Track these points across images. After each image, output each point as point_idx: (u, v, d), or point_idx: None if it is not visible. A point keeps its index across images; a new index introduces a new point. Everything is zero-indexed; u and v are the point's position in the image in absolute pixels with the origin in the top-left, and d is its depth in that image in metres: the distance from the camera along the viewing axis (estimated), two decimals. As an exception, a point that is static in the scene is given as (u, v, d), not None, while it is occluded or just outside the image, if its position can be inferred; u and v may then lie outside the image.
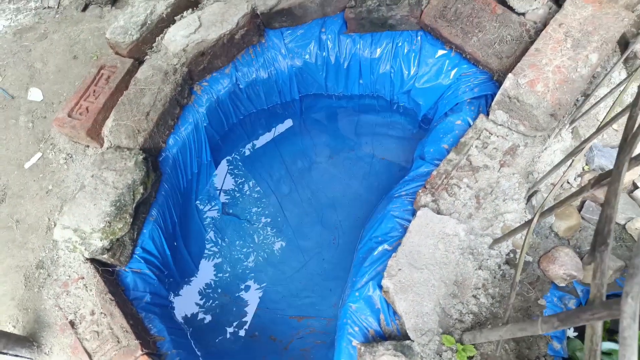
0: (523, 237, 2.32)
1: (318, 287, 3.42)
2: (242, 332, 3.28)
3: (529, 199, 2.42)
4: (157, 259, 2.95)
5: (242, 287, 3.44)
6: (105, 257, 2.67)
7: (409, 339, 2.27)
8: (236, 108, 3.59)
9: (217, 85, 3.29)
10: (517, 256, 2.31)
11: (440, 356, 2.18)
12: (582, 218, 2.44)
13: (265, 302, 3.42)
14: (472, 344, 2.16)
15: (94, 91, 3.10)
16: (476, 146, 2.60)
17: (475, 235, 2.38)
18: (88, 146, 3.16)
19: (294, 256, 3.55)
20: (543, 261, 2.35)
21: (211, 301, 3.35)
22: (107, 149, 2.94)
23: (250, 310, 3.38)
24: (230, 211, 3.69)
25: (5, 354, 2.36)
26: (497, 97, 2.52)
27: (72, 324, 2.56)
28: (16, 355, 2.44)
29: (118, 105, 3.04)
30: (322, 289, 3.42)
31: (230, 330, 3.27)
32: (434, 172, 2.60)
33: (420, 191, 2.58)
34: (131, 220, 2.68)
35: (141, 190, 2.73)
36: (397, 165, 3.58)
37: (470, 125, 2.76)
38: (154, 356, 2.51)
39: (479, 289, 2.27)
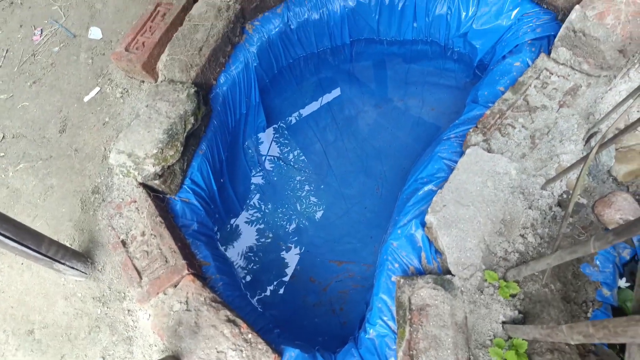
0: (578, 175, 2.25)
1: (359, 234, 3.48)
2: (282, 271, 3.40)
3: (588, 140, 2.32)
4: (204, 192, 3.09)
5: (284, 229, 3.55)
6: (156, 184, 2.83)
7: (450, 274, 2.28)
8: (286, 50, 3.63)
9: (268, 25, 3.34)
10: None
11: (482, 292, 2.18)
12: (647, 163, 2.32)
13: (306, 246, 3.51)
14: (516, 281, 2.15)
15: (150, 27, 3.23)
16: (535, 86, 2.51)
17: (528, 175, 2.32)
18: (143, 81, 3.31)
19: (337, 203, 3.61)
20: (598, 205, 2.27)
21: (254, 239, 3.48)
22: (161, 81, 3.07)
23: (292, 252, 3.49)
24: (276, 155, 3.78)
25: (63, 263, 2.57)
26: (561, 31, 2.41)
27: (123, 243, 2.74)
28: (72, 267, 2.65)
29: (172, 40, 3.15)
30: (363, 236, 3.46)
31: (271, 268, 3.40)
32: (487, 112, 2.54)
33: (470, 130, 2.54)
34: (182, 148, 2.81)
35: (192, 121, 2.85)
36: (448, 116, 3.52)
37: (529, 66, 2.66)
38: (199, 278, 2.65)
39: (527, 228, 2.24)
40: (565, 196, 2.28)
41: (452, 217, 2.30)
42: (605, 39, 2.26)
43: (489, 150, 2.43)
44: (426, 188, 2.61)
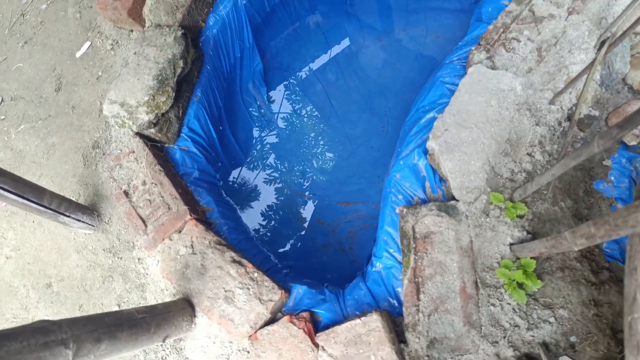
0: (586, 79, 2.07)
1: (366, 174, 3.37)
2: (289, 215, 3.36)
3: (600, 46, 2.11)
4: (203, 140, 3.01)
5: (289, 174, 3.47)
6: (152, 132, 2.76)
7: (454, 200, 2.17)
8: (277, -16, 3.42)
9: (255, -42, 3.12)
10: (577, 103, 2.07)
11: (487, 215, 2.07)
12: (666, 67, 2.11)
13: (312, 189, 3.44)
14: (523, 202, 2.03)
15: (132, -29, 3.05)
16: (541, -7, 2.29)
17: (534, 90, 2.15)
18: (132, 30, 3.17)
19: (342, 144, 3.49)
20: (612, 117, 2.09)
21: (258, 186, 3.42)
22: (148, 27, 2.93)
23: (298, 196, 3.42)
24: (276, 100, 3.65)
25: (68, 216, 2.56)
26: None
27: (126, 193, 2.71)
28: (78, 220, 2.65)
29: (156, -17, 2.98)
30: (370, 175, 3.36)
31: (278, 212, 3.35)
32: (490, 27, 2.34)
33: (473, 49, 2.36)
34: (174, 94, 2.71)
35: (181, 65, 2.73)
36: (453, 43, 3.27)
37: (535, -27, 2.41)
38: (202, 222, 2.62)
39: (535, 146, 2.09)
40: (574, 109, 2.11)
41: (454, 141, 2.17)
42: None
43: (493, 68, 2.26)
44: (428, 116, 2.46)
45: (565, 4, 2.24)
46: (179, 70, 2.71)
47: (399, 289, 2.26)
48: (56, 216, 2.52)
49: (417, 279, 2.08)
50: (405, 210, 2.22)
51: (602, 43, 2.13)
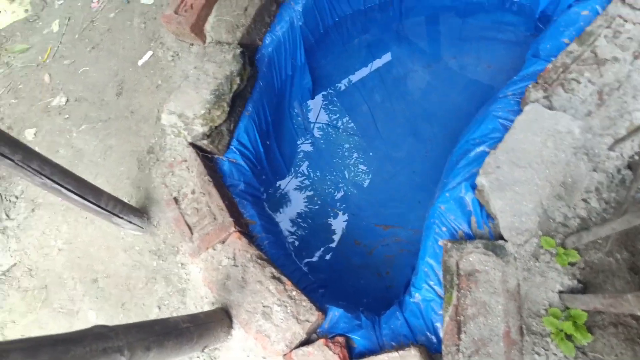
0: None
1: (406, 198, 3.30)
2: (327, 233, 3.32)
3: (669, 95, 1.99)
4: (251, 153, 3.02)
5: (330, 192, 3.44)
6: (205, 144, 2.79)
7: (502, 240, 2.09)
8: (332, 8, 3.42)
9: (314, -19, 3.13)
10: (645, 159, 1.95)
11: (537, 259, 1.98)
12: None
13: (352, 209, 3.39)
14: (576, 249, 1.92)
15: (198, -12, 3.11)
16: (605, 36, 2.18)
17: (593, 135, 2.04)
18: (192, 44, 3.23)
19: (384, 166, 3.44)
20: (678, 168, 1.96)
21: (300, 201, 3.41)
22: (209, 43, 2.98)
23: (337, 215, 3.39)
24: (323, 120, 3.63)
25: (121, 217, 2.61)
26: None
27: (175, 200, 2.75)
28: (130, 222, 2.70)
29: (219, 1, 3.03)
30: (410, 200, 3.29)
31: (316, 229, 3.33)
32: (549, 66, 2.25)
33: (530, 86, 2.26)
34: (228, 109, 2.74)
35: (237, 81, 2.75)
36: (505, 74, 3.18)
37: (599, 14, 2.30)
38: (245, 236, 2.62)
39: (591, 192, 1.98)
40: (636, 157, 1.99)
41: (506, 180, 2.08)
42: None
43: (550, 108, 2.16)
44: (478, 149, 2.38)
45: (631, 47, 2.13)
46: (235, 87, 2.74)
47: (437, 324, 2.18)
48: (110, 217, 2.58)
49: (458, 317, 2.00)
50: (449, 244, 2.15)
51: (671, 91, 2.00)
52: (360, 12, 3.61)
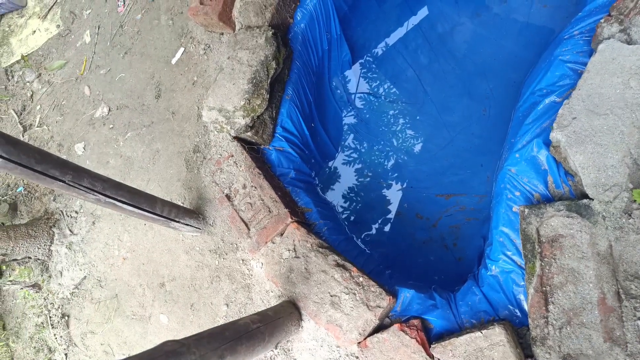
0: None
1: (467, 164, 3.17)
2: (386, 211, 3.26)
3: None
4: (297, 138, 2.99)
5: (384, 167, 3.36)
6: (249, 135, 2.79)
7: (586, 199, 1.93)
8: (363, -31, 3.27)
9: (340, -56, 2.99)
10: None
11: (630, 215, 1.81)
12: None
13: (409, 182, 3.30)
14: (678, 200, 1.74)
15: (220, -27, 3.07)
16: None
17: (687, 65, 1.82)
18: (222, 33, 3.22)
19: (438, 133, 3.31)
20: None
21: (354, 180, 3.36)
22: (239, 30, 2.95)
23: (394, 189, 3.31)
24: (367, 89, 3.53)
25: (178, 221, 2.69)
26: None
27: (228, 197, 2.79)
28: (186, 224, 2.77)
29: (243, -17, 2.98)
30: (471, 165, 3.15)
31: (374, 207, 3.27)
32: (624, -11, 2.01)
33: (602, 21, 2.05)
34: (268, 96, 2.70)
35: (274, 66, 2.71)
36: (565, 12, 2.92)
37: None
38: (303, 225, 2.61)
39: (691, 132, 1.77)
40: None
41: (585, 131, 1.91)
42: None
43: (630, 42, 1.94)
44: (547, 100, 2.20)
45: None
46: (272, 72, 2.69)
47: (520, 297, 2.08)
48: (168, 222, 2.66)
49: (544, 288, 1.89)
50: (526, 210, 2.02)
51: None
52: (394, -32, 3.43)
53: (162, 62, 3.52)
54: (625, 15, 1.99)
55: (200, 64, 3.31)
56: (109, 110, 3.69)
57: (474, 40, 3.23)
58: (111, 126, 3.63)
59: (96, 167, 3.50)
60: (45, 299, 3.82)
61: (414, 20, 3.47)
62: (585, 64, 2.08)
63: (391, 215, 3.25)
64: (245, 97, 2.63)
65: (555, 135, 1.98)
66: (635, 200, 1.81)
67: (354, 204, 3.34)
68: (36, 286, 3.88)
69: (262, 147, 2.91)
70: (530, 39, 2.99)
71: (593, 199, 1.88)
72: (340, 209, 3.32)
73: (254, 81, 2.65)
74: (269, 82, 2.69)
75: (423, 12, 3.45)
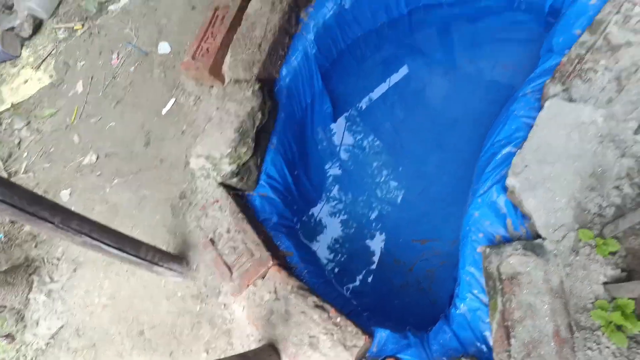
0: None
1: (440, 211, 3.47)
2: (365, 255, 3.51)
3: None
4: (280, 185, 3.29)
5: (364, 213, 3.65)
6: (234, 182, 3.08)
7: (540, 239, 2.23)
8: (343, 32, 3.71)
9: (322, 9, 3.44)
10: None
11: (577, 253, 2.11)
12: None
13: (387, 228, 3.58)
14: (615, 238, 2.05)
15: (212, 32, 3.48)
16: (616, 22, 2.35)
17: (617, 121, 2.19)
18: (212, 86, 3.59)
19: (414, 181, 3.63)
20: None
21: (334, 226, 3.63)
22: (228, 83, 3.31)
23: (373, 235, 3.58)
24: (347, 141, 3.88)
25: (161, 266, 2.89)
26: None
27: (212, 241, 3.02)
28: (169, 269, 2.98)
29: (233, 42, 3.38)
30: (444, 212, 3.45)
31: (353, 252, 3.52)
32: (564, 59, 2.43)
33: (547, 81, 2.44)
34: (253, 144, 3.03)
35: (260, 116, 3.05)
36: (523, 73, 3.35)
37: (607, 1, 2.48)
38: (284, 268, 2.85)
39: (622, 178, 2.11)
40: (666, 139, 2.12)
41: (536, 178, 2.25)
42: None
43: (571, 100, 2.33)
44: (504, 151, 2.55)
45: (644, 30, 2.29)
46: (257, 122, 3.03)
47: (486, 333, 2.31)
48: (151, 266, 2.86)
49: (506, 323, 2.13)
50: (488, 250, 2.30)
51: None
52: (371, 32, 3.90)
53: (152, 113, 3.86)
54: (567, 77, 2.40)
55: (190, 114, 3.65)
56: (97, 157, 3.96)
57: (444, 97, 3.65)
58: (99, 173, 3.89)
59: (81, 213, 3.71)
60: (17, 351, 3.87)
61: (390, 78, 3.89)
62: (535, 118, 2.46)
63: (373, 266, 3.50)
64: (232, 145, 2.95)
65: (510, 182, 2.31)
66: (581, 239, 2.11)
67: (339, 255, 3.58)
68: (9, 337, 3.94)
69: (246, 192, 3.19)
70: (494, 96, 3.40)
71: (545, 239, 2.18)
72: (325, 261, 3.56)
73: (241, 130, 2.98)
74: (254, 131, 3.02)
75: (399, 70, 3.88)
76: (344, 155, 3.86)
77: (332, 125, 3.92)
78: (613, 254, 2.05)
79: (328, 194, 3.71)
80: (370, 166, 3.78)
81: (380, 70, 3.96)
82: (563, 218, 2.15)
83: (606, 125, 2.19)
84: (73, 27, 5.04)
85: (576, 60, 2.39)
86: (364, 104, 3.95)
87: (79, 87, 4.51)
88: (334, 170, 3.79)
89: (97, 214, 3.64)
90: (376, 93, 3.92)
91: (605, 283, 2.01)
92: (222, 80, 3.44)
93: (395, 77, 3.87)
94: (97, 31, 4.79)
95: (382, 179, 3.70)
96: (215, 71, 3.39)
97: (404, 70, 3.87)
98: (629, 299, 1.87)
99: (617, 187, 2.11)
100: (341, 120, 3.98)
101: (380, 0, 3.58)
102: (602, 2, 2.51)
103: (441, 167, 3.51)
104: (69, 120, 4.35)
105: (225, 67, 3.37)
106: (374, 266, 3.46)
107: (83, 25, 4.97)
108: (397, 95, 3.83)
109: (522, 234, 2.35)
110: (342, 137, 3.91)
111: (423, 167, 3.61)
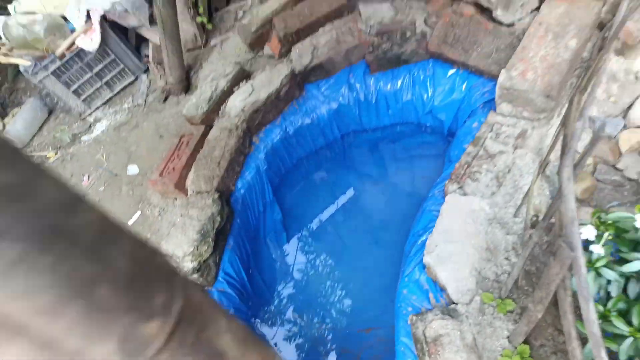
0: (541, 202, 2.67)
1: (381, 300, 3.79)
2: (317, 347, 3.68)
3: (543, 170, 2.78)
4: (236, 282, 3.54)
5: (312, 308, 3.89)
6: (195, 277, 3.31)
7: (454, 304, 2.60)
8: (289, 153, 4.32)
9: (271, 135, 4.07)
10: (540, 218, 2.64)
11: (484, 313, 2.49)
12: (597, 180, 2.74)
13: (335, 320, 3.82)
14: (510, 298, 2.46)
15: (178, 154, 3.97)
16: (490, 137, 3.05)
17: (499, 208, 2.75)
18: (176, 198, 3.97)
19: (356, 276, 3.99)
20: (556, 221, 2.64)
21: (286, 322, 3.82)
22: (190, 195, 3.72)
23: (323, 328, 3.79)
24: (294, 245, 4.26)
25: None
26: (497, 92, 3.01)
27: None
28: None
29: (196, 161, 3.87)
30: (384, 301, 3.77)
31: (306, 345, 3.68)
32: (457, 165, 3.06)
33: (447, 182, 3.03)
34: (213, 244, 3.35)
35: (219, 220, 3.42)
36: (435, 179, 4.03)
37: (483, 123, 3.23)
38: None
39: (510, 251, 2.60)
40: (535, 218, 2.68)
41: (444, 254, 2.69)
42: (532, 90, 2.84)
43: (465, 194, 2.90)
44: (422, 238, 3.02)
45: (510, 142, 2.99)
46: (217, 224, 3.39)
47: (421, 394, 2.53)
48: None
49: (433, 378, 2.39)
50: (414, 317, 2.63)
51: (545, 167, 2.80)
52: (313, 153, 4.55)
53: (119, 224, 4.12)
54: (460, 178, 3.00)
55: (155, 224, 3.95)
56: (63, 267, 4.07)
57: (376, 202, 4.21)
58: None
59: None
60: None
61: (331, 189, 4.46)
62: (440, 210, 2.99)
63: (320, 352, 3.66)
64: (194, 244, 3.25)
65: (426, 260, 2.74)
66: (485, 302, 2.50)
67: (293, 347, 3.73)
68: None
69: (206, 288, 3.41)
70: (416, 200, 3.99)
71: (457, 304, 2.56)
72: (281, 352, 3.69)
73: (202, 232, 3.31)
74: (214, 232, 3.37)
75: (337, 183, 4.47)
76: (292, 257, 4.21)
77: (281, 228, 4.31)
78: (511, 311, 2.44)
79: (280, 292, 3.97)
80: (316, 266, 4.12)
81: (322, 183, 4.54)
82: (468, 285, 2.56)
83: (492, 211, 2.74)
84: (46, 155, 5.42)
85: (465, 166, 3.02)
86: (309, 211, 4.43)
87: (49, 205, 4.73)
88: (283, 269, 4.10)
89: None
90: (319, 202, 4.43)
91: (508, 336, 2.37)
92: (186, 192, 3.84)
93: (334, 189, 4.43)
94: (70, 158, 5.18)
95: (328, 276, 4.03)
96: (180, 185, 3.81)
97: (341, 182, 4.46)
98: (524, 343, 2.23)
99: (506, 258, 2.59)
100: (288, 226, 4.39)
101: (317, 127, 4.27)
102: (480, 124, 3.26)
103: (378, 261, 3.91)
104: (37, 235, 4.48)
105: (188, 182, 3.80)
106: (324, 357, 3.62)
107: (56, 153, 5.37)
108: (336, 202, 4.35)
109: (442, 305, 2.71)
110: (290, 242, 4.29)
111: (363, 262, 4.00)
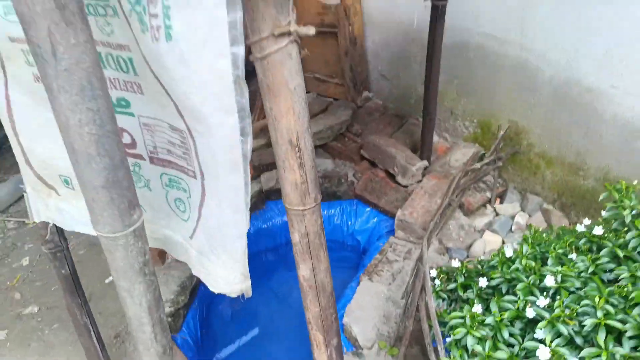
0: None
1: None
2: None
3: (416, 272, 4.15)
4: (193, 334, 4.19)
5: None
6: (170, 320, 3.96)
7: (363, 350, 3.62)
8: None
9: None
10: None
11: (379, 354, 3.53)
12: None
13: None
14: (394, 346, 3.57)
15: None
16: (390, 251, 4.45)
17: (393, 292, 4.00)
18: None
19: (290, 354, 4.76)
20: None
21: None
22: (172, 260, 4.51)
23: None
24: (239, 332, 5.00)
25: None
26: (395, 224, 4.52)
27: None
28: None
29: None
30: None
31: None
32: (368, 265, 4.35)
33: (361, 275, 4.27)
34: (189, 297, 4.10)
35: (195, 279, 4.23)
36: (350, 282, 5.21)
37: (386, 243, 4.65)
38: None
39: (398, 317, 3.78)
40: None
41: (358, 317, 3.79)
42: (415, 223, 4.38)
43: (372, 282, 4.13)
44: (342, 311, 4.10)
45: (402, 255, 4.39)
46: (194, 283, 4.19)
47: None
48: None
49: (344, 395, 3.27)
50: None
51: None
52: (262, 251, 5.60)
53: (96, 280, 4.65)
54: (370, 274, 4.25)
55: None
56: (39, 309, 4.39)
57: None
58: (39, 319, 4.27)
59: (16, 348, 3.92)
60: None
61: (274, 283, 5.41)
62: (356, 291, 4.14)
63: None
64: (175, 293, 3.99)
65: (345, 320, 3.80)
66: (381, 348, 3.56)
67: None
68: None
69: (172, 334, 4.02)
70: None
71: (363, 348, 3.58)
72: None
73: (182, 286, 4.08)
74: (191, 288, 4.14)
75: (279, 279, 5.45)
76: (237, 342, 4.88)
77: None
78: (396, 356, 3.52)
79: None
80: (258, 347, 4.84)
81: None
82: (371, 336, 3.63)
83: (389, 294, 3.97)
84: (24, 222, 5.83)
85: (374, 266, 4.32)
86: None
87: (25, 262, 5.09)
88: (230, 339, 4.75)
89: (32, 349, 3.93)
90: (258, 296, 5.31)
91: (393, 368, 3.40)
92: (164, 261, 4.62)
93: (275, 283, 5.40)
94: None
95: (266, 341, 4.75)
96: (161, 255, 4.61)
97: (275, 295, 5.43)
98: (403, 369, 3.28)
99: (395, 322, 3.75)
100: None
101: (270, 233, 5.43)
102: (384, 243, 4.67)
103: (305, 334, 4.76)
104: (9, 283, 4.77)
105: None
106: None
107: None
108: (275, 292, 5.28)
109: (352, 351, 3.70)
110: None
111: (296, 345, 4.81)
